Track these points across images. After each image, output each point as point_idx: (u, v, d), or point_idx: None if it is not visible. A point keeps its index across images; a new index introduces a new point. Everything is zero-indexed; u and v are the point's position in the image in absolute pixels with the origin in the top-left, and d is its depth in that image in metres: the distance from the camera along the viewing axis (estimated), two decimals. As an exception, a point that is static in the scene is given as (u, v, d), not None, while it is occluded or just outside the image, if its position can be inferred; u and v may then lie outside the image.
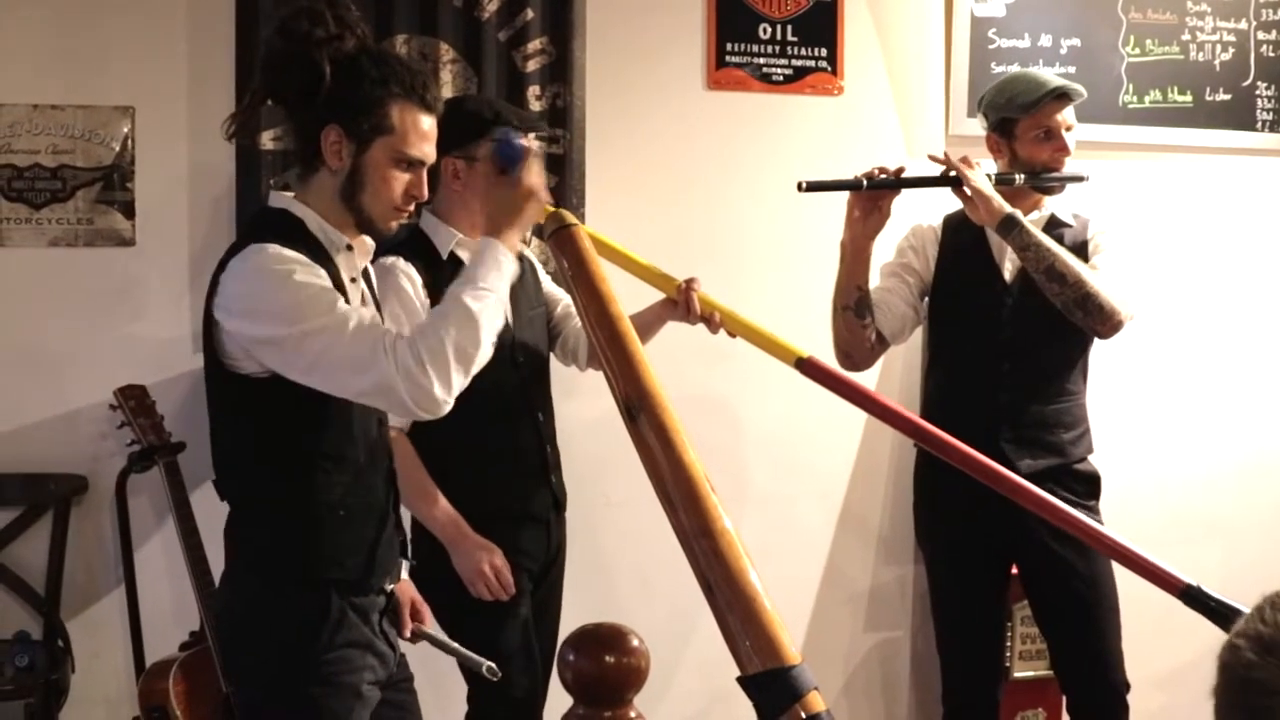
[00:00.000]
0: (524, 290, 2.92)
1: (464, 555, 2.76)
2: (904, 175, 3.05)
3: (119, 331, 3.32)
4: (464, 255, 2.80)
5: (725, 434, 3.70)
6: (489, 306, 2.13)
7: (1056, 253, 3.01)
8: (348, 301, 2.15)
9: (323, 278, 2.10)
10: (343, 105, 2.13)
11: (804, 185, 2.92)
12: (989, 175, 3.08)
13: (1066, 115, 3.15)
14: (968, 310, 3.22)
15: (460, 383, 2.10)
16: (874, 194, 3.01)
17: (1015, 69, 3.65)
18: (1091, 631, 3.16)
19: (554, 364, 3.07)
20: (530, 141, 2.28)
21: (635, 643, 2.44)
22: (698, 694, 3.64)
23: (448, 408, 2.10)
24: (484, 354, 2.13)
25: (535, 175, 2.29)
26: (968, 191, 3.02)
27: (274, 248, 2.08)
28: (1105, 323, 3.04)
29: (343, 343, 2.05)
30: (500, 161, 2.31)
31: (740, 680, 1.73)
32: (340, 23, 2.14)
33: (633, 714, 2.44)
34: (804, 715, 1.67)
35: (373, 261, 2.39)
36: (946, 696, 3.34)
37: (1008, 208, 3.01)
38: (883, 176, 3.01)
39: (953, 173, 3.04)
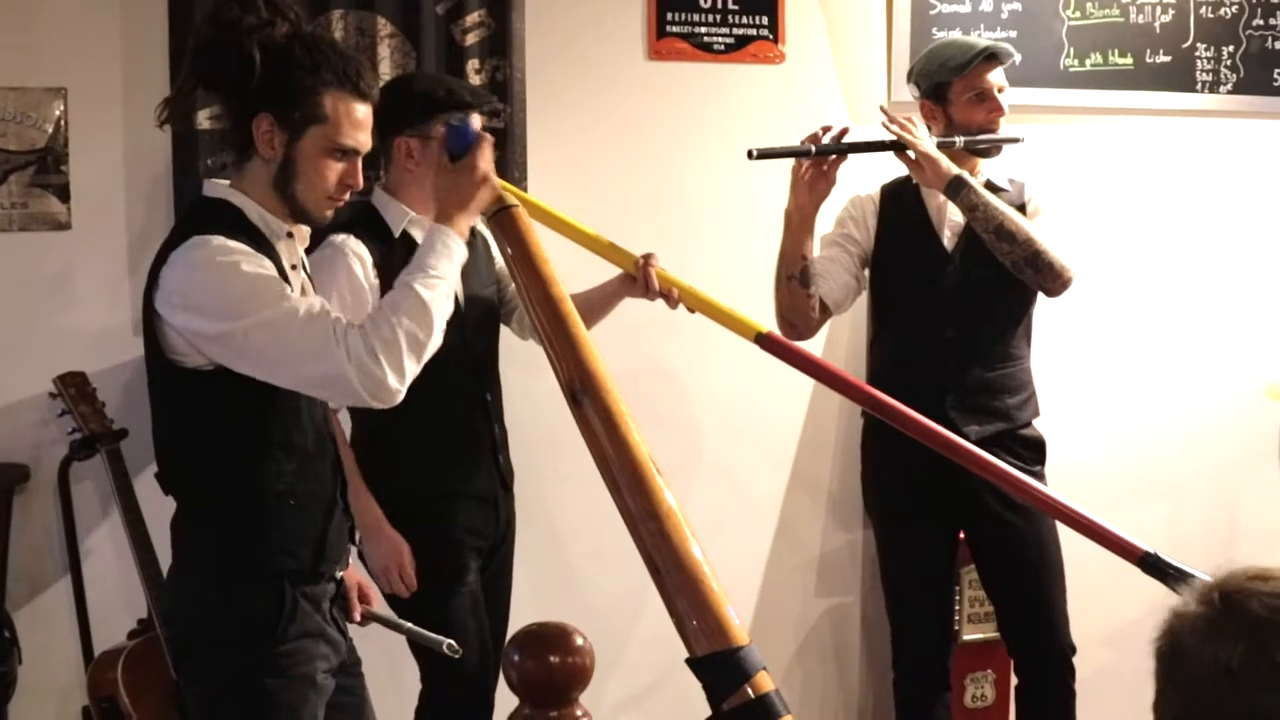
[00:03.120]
0: (475, 267, 2.89)
1: (376, 548, 2.79)
2: (850, 140, 3.05)
3: (57, 317, 3.25)
4: (416, 233, 2.78)
5: (676, 404, 3.70)
6: (440, 294, 2.13)
7: (1005, 212, 3.03)
8: (291, 289, 2.13)
9: (268, 268, 2.07)
10: (274, 94, 2.09)
11: (754, 153, 2.91)
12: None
13: (997, 77, 3.17)
14: (909, 279, 3.23)
15: (413, 370, 2.09)
16: (821, 160, 3.01)
17: (957, 34, 3.65)
18: (1038, 596, 3.20)
19: (503, 344, 3.06)
20: (478, 125, 2.24)
21: (580, 641, 2.45)
22: (650, 666, 3.65)
23: (400, 396, 2.10)
24: (435, 341, 2.13)
25: (487, 161, 2.26)
26: (912, 155, 3.03)
27: (217, 239, 2.06)
28: (1055, 280, 3.07)
29: (292, 334, 2.03)
30: (453, 146, 2.26)
31: (689, 662, 1.75)
32: (272, 8, 2.09)
33: (579, 713, 2.45)
34: (752, 695, 1.70)
35: (322, 238, 2.36)
36: (897, 661, 3.38)
37: (955, 169, 3.02)
38: (828, 142, 3.01)
39: (897, 138, 3.05)
